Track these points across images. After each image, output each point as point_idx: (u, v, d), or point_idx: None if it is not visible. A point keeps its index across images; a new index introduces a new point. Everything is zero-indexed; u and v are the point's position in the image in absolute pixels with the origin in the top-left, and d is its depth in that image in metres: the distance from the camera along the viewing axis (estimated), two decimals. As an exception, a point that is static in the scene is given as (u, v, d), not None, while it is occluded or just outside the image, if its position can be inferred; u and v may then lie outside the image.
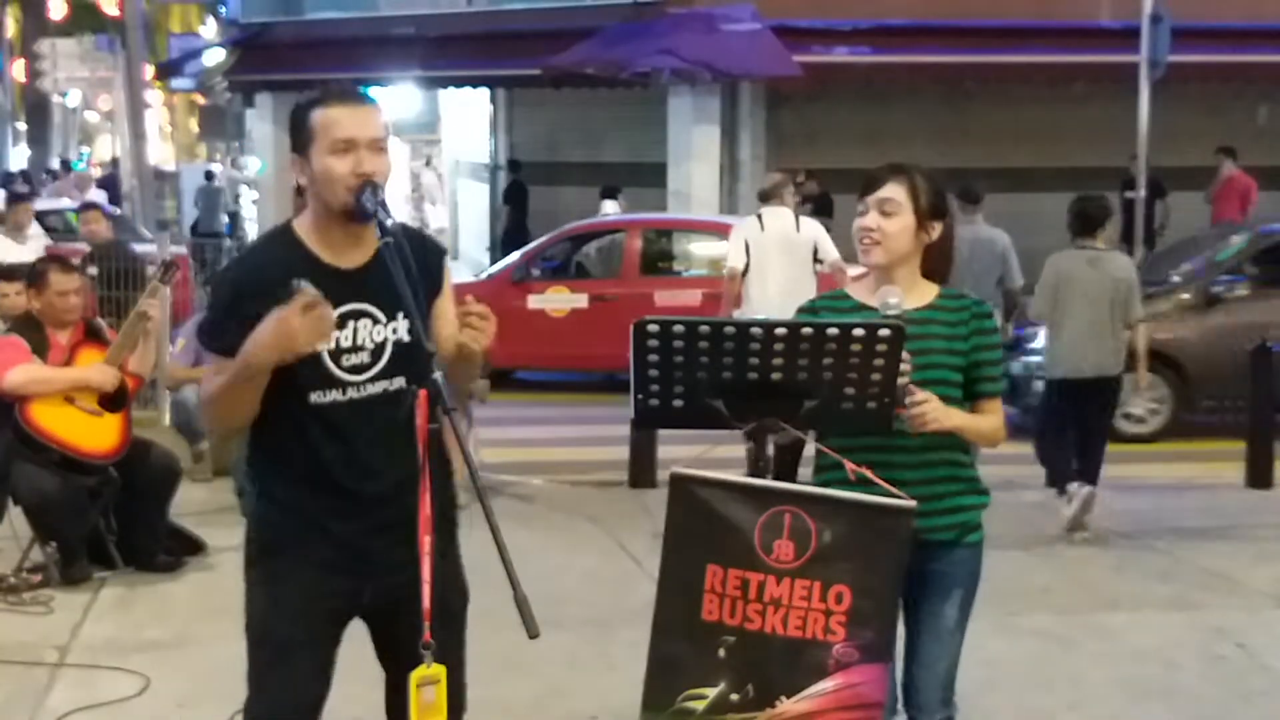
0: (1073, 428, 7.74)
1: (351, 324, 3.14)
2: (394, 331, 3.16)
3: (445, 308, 3.26)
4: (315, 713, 3.27)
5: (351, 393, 3.15)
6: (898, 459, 3.49)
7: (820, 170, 18.01)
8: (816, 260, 8.99)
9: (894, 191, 3.55)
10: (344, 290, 3.12)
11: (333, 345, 3.11)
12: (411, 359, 3.11)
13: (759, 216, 9.08)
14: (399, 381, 3.16)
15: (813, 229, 9.19)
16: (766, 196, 9.28)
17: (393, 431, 3.12)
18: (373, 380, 3.16)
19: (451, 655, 3.13)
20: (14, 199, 12.92)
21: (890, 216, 3.55)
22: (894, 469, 3.46)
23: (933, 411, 3.43)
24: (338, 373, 3.14)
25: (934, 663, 3.65)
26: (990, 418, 3.59)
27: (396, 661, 3.25)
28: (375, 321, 3.16)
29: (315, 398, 3.13)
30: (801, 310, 3.70)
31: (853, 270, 3.46)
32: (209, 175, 25.49)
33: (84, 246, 11.04)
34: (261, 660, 3.25)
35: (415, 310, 2.98)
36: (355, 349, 3.15)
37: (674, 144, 18.04)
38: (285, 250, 3.19)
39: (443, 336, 3.18)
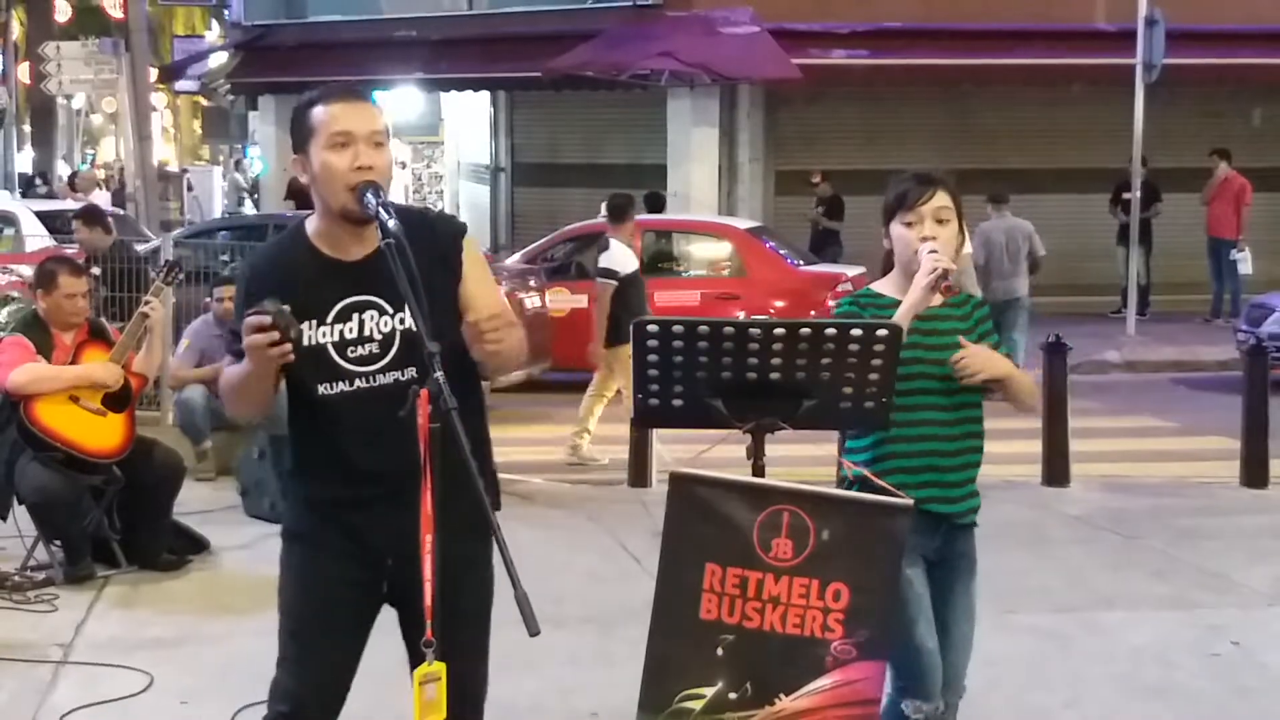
0: None
1: (356, 316, 3.14)
2: (401, 322, 3.14)
3: (474, 293, 3.19)
4: (335, 695, 3.31)
5: (360, 383, 3.15)
6: (940, 447, 3.64)
7: (813, 171, 18.06)
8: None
9: (945, 199, 3.67)
10: (347, 283, 3.14)
11: (335, 338, 3.13)
12: (421, 349, 3.07)
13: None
14: (411, 371, 3.14)
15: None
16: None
17: (406, 422, 3.07)
18: (383, 371, 3.16)
19: (467, 656, 3.15)
20: None
21: (945, 224, 3.66)
22: (937, 456, 3.62)
23: (976, 362, 3.57)
24: (344, 364, 3.15)
25: (967, 642, 3.81)
26: (1026, 376, 3.74)
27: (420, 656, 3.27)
28: (382, 312, 3.15)
29: (323, 390, 3.16)
30: (841, 304, 3.78)
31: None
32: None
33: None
34: (286, 640, 3.31)
35: (418, 313, 2.96)
36: (362, 340, 3.15)
37: (673, 146, 18.08)
38: (290, 248, 3.23)
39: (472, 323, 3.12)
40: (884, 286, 3.76)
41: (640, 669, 3.37)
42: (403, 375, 3.15)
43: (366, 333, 3.15)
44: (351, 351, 3.15)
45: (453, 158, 25.02)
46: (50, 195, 22.53)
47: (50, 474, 6.45)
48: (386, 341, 3.16)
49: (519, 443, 10.36)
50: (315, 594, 3.27)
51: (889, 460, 3.62)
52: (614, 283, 9.75)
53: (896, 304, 3.65)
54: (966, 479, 3.71)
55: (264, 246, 3.31)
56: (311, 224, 3.23)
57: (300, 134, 3.16)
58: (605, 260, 9.94)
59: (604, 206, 10.52)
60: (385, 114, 3.23)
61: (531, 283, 12.45)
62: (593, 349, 9.89)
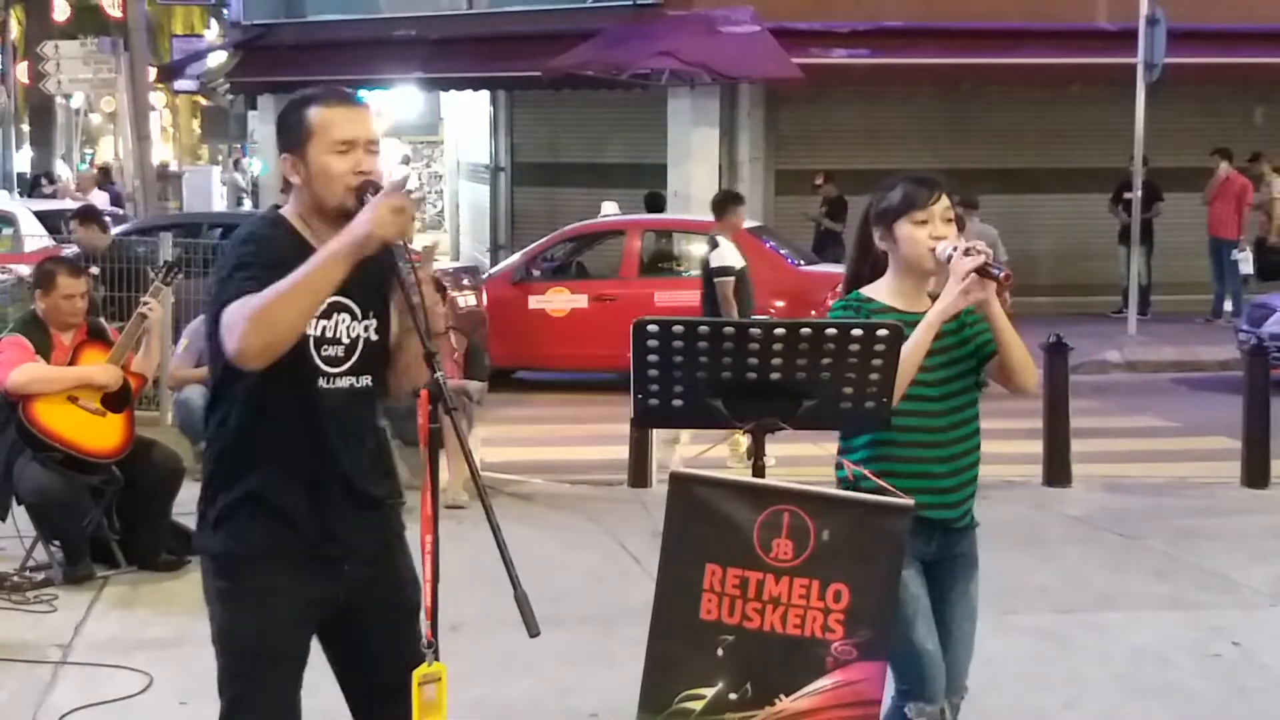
0: None
1: (335, 315, 3.15)
2: (365, 329, 3.19)
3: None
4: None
5: (322, 383, 3.15)
6: (934, 454, 3.63)
7: (817, 171, 18.05)
8: None
9: (947, 200, 3.68)
10: None
11: (317, 333, 3.12)
12: (378, 360, 3.20)
13: None
14: (365, 380, 3.20)
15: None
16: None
17: (356, 429, 3.17)
18: (341, 375, 3.17)
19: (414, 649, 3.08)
20: None
21: (951, 224, 3.67)
22: (930, 463, 3.61)
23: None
24: (316, 360, 3.14)
25: (969, 642, 3.81)
26: (1023, 345, 3.68)
27: (376, 667, 3.21)
28: (353, 317, 3.18)
29: (289, 380, 3.11)
30: (833, 309, 3.76)
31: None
32: None
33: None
34: (238, 674, 3.18)
35: (416, 308, 3.01)
36: (334, 341, 3.16)
37: (673, 145, 18.07)
38: (280, 235, 3.17)
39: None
40: (876, 291, 3.73)
41: (640, 669, 3.36)
42: (358, 382, 3.19)
43: (337, 334, 3.17)
44: (324, 350, 3.16)
45: (452, 157, 25.05)
46: (55, 195, 22.60)
47: (49, 474, 6.45)
48: (350, 347, 3.18)
49: (519, 443, 10.36)
50: (275, 621, 3.15)
51: (881, 463, 3.61)
52: (733, 279, 9.75)
53: (888, 309, 3.63)
54: (962, 483, 3.69)
55: (250, 225, 3.21)
56: (292, 217, 3.19)
57: (294, 134, 3.15)
58: (718, 259, 9.91)
59: (710, 204, 10.59)
60: (377, 114, 3.25)
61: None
62: None
